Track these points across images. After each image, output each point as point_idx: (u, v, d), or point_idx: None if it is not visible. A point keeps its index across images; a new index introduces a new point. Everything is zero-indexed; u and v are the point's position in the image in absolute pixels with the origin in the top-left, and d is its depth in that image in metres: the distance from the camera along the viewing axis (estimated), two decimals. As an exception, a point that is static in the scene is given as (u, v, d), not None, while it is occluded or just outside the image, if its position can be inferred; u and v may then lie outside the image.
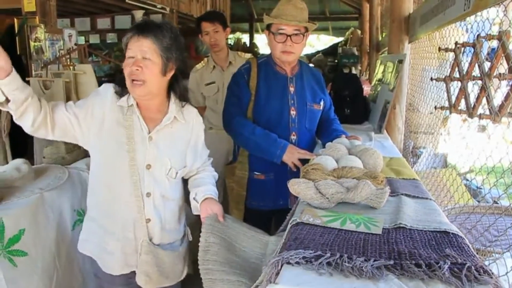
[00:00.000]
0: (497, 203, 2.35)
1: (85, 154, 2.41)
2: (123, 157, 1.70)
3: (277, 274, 1.01)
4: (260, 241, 1.66)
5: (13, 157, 2.57)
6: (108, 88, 1.75)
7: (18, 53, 4.07)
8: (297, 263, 1.02)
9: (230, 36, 11.33)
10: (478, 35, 1.74)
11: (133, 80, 1.64)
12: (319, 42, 16.53)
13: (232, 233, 1.67)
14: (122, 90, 1.73)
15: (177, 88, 1.80)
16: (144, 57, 1.63)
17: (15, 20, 4.10)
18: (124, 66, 1.67)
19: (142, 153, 1.72)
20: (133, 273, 1.80)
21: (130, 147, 1.70)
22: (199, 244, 1.60)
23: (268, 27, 2.23)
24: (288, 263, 1.03)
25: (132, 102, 1.72)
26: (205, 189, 1.84)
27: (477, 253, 1.71)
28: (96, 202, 1.82)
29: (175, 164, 1.80)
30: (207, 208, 1.76)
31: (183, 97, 1.83)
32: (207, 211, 1.75)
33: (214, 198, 1.82)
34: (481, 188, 2.84)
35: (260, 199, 2.34)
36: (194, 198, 1.84)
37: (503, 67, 1.58)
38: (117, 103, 1.72)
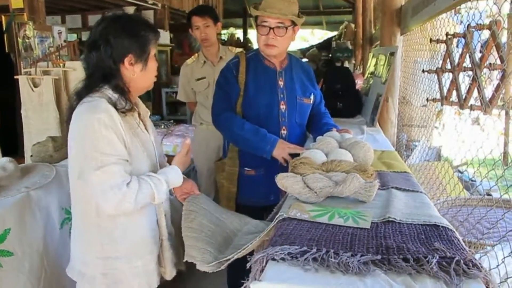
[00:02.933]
0: (490, 195, 2.33)
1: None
2: (146, 166, 1.64)
3: (262, 271, 0.98)
4: (240, 218, 1.68)
5: (4, 155, 2.53)
6: (107, 108, 1.49)
7: (7, 50, 4.03)
8: (282, 259, 0.99)
9: (224, 31, 11.27)
10: (468, 25, 1.72)
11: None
12: (313, 36, 16.52)
13: (213, 207, 1.71)
14: (120, 97, 1.56)
15: None
16: None
17: (3, 17, 4.05)
18: (152, 68, 1.66)
19: (154, 155, 1.70)
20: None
21: (148, 154, 1.66)
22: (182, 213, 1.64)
23: (256, 19, 2.19)
24: (273, 259, 1.00)
25: (131, 102, 1.60)
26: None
27: (469, 246, 1.70)
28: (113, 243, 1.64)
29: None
30: (181, 188, 1.77)
31: None
32: (181, 190, 1.77)
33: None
34: (473, 181, 2.82)
35: (251, 195, 2.31)
36: None
37: (493, 57, 1.55)
38: (120, 113, 1.53)
